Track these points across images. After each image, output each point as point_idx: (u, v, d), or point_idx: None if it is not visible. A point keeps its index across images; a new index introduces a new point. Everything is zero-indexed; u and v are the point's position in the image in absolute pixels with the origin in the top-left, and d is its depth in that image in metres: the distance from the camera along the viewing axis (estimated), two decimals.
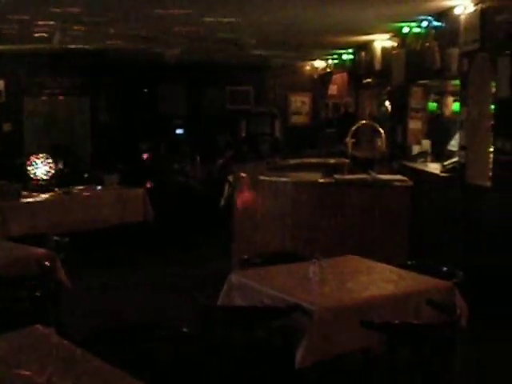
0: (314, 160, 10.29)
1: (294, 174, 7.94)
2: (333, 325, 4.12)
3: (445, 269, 4.97)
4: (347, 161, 9.44)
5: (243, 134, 16.88)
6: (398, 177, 7.78)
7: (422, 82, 10.00)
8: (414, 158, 9.76)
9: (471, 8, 7.59)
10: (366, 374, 4.25)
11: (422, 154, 9.72)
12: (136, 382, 2.91)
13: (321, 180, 7.46)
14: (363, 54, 12.84)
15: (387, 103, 11.45)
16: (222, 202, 10.85)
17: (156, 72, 16.04)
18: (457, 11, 7.99)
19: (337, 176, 7.59)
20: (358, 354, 4.43)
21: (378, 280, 4.78)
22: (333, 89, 16.11)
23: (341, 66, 14.95)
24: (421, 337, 4.09)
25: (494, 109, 7.13)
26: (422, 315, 4.34)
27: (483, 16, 7.28)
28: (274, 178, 7.64)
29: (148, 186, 10.55)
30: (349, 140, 9.36)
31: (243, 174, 8.15)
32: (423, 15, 9.09)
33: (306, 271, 4.66)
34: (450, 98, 10.07)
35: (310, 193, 7.32)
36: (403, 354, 4.04)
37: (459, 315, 4.25)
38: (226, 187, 10.84)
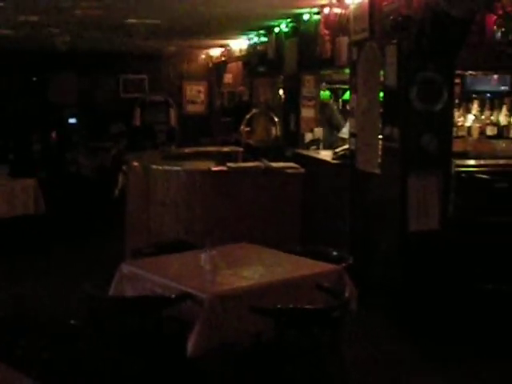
0: (208, 149, 10.30)
1: (187, 163, 7.90)
2: (224, 312, 4.12)
3: (335, 253, 5.07)
4: (241, 149, 9.51)
5: (138, 123, 16.68)
6: (291, 164, 7.86)
7: (313, 70, 10.11)
8: (307, 146, 9.88)
9: None
10: (256, 359, 4.28)
11: (315, 142, 9.84)
12: (20, 376, 2.83)
13: (213, 168, 7.45)
14: (257, 42, 12.86)
15: (281, 92, 11.53)
16: (116, 192, 10.69)
17: (46, 60, 15.60)
18: (347, 0, 8.11)
19: (230, 164, 7.60)
20: (251, 339, 4.46)
21: (270, 266, 4.82)
22: (228, 77, 16.11)
23: (235, 54, 14.95)
24: (309, 320, 4.15)
25: (383, 97, 7.27)
26: (315, 300, 4.40)
27: (372, 5, 7.40)
28: (166, 167, 7.58)
29: (39, 176, 10.27)
30: (243, 128, 9.41)
31: (136, 164, 8.04)
32: (316, 3, 9.16)
33: (198, 260, 4.65)
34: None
35: (203, 181, 7.29)
36: (292, 338, 4.09)
37: (348, 298, 4.34)
38: (120, 177, 10.69)
